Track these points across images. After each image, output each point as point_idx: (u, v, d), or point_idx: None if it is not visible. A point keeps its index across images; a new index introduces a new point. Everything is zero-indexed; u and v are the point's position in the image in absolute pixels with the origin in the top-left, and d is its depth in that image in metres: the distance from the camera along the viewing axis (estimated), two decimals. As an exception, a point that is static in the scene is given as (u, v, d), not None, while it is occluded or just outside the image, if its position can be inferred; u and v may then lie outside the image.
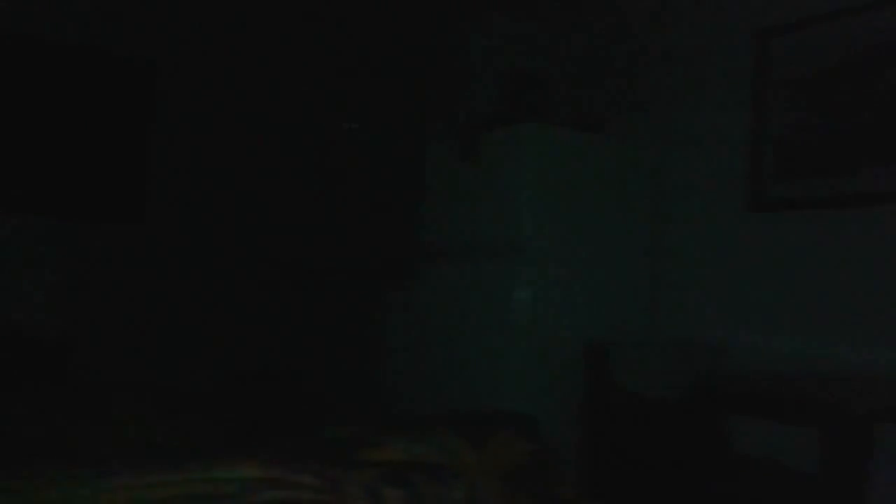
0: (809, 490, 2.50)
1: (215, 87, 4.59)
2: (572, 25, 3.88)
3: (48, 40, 4.03)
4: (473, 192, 3.31)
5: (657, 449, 2.87)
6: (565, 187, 3.17)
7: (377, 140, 4.61)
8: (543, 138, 3.13)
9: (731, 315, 3.15)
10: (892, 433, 2.52)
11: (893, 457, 2.58)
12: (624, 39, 3.68)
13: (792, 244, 2.98)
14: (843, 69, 2.84)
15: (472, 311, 3.26)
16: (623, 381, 2.95)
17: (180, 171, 4.49)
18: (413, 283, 3.72)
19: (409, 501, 1.26)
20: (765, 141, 3.07)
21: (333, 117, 4.84)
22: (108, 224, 4.24)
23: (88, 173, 4.16)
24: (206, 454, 1.23)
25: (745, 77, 3.18)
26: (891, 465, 2.57)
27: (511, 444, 1.49)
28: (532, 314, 3.07)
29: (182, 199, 4.50)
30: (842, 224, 2.83)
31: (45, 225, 4.05)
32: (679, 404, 2.88)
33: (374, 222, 4.56)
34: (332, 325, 4.47)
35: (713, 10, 3.32)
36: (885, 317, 2.71)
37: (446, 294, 3.41)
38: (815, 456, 2.25)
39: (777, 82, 3.05)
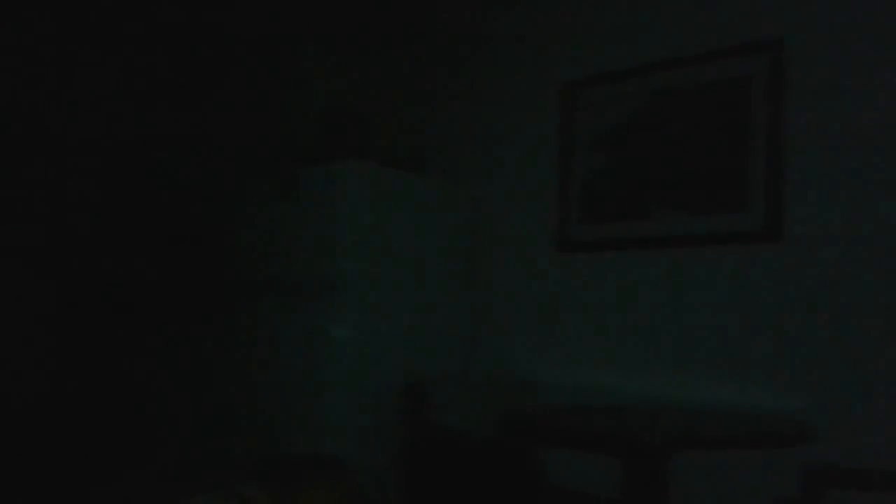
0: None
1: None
2: (394, 64, 3.94)
3: None
4: (291, 229, 3.24)
5: (472, 487, 2.89)
6: (385, 225, 3.17)
7: (192, 173, 4.43)
8: (363, 176, 3.12)
9: (542, 350, 3.27)
10: (691, 460, 2.69)
11: (690, 482, 2.75)
12: (445, 80, 3.77)
13: (597, 283, 3.14)
14: (638, 122, 3.06)
15: (289, 350, 3.17)
16: (440, 418, 2.96)
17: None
18: (226, 321, 3.57)
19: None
20: (572, 185, 3.24)
21: (147, 150, 4.60)
22: None
23: None
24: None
25: (554, 124, 3.35)
26: (688, 490, 2.73)
27: (318, 496, 1.44)
28: (351, 353, 3.02)
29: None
30: (639, 264, 3.03)
31: None
32: (493, 440, 2.93)
33: (185, 256, 4.35)
34: (146, 361, 4.19)
35: (527, 58, 3.48)
36: (680, 349, 2.90)
37: (262, 332, 3.30)
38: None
39: (581, 131, 3.23)
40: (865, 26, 2.61)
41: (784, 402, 2.65)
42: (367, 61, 4.03)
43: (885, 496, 2.30)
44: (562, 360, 3.20)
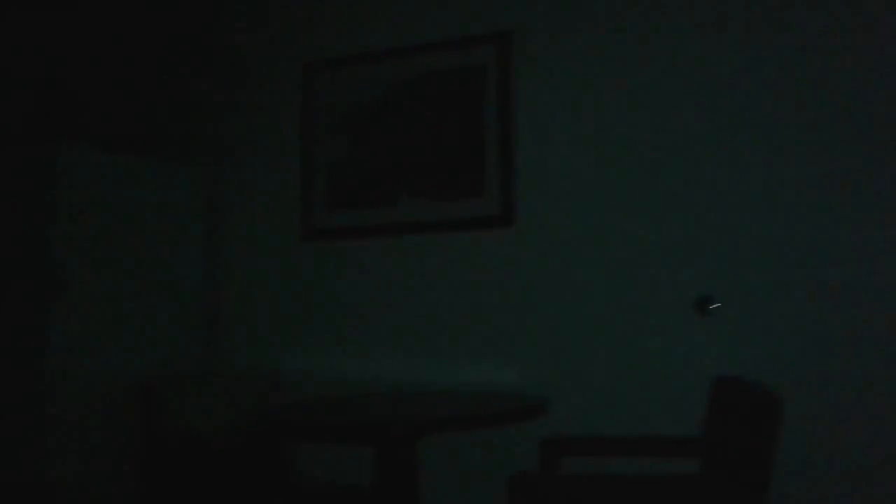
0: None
1: None
2: (118, 33, 3.59)
3: None
4: (-4, 222, 2.85)
5: (219, 493, 2.74)
6: (105, 215, 2.89)
7: None
8: (78, 161, 2.81)
9: (293, 342, 3.17)
10: (437, 444, 2.74)
11: (441, 463, 2.81)
12: (178, 54, 3.51)
13: (344, 271, 3.10)
14: (381, 107, 3.06)
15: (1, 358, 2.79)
16: (181, 421, 2.77)
17: None
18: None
19: None
20: (316, 171, 3.16)
21: None
22: None
23: None
24: None
25: (296, 108, 3.24)
26: (439, 470, 2.79)
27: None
28: (72, 358, 2.72)
29: None
30: (386, 251, 3.03)
31: None
32: (239, 441, 2.79)
33: None
34: None
35: (269, 37, 3.33)
36: (427, 333, 2.95)
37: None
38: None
39: (323, 115, 3.16)
40: (586, 23, 2.80)
41: (522, 379, 2.79)
42: (86, 28, 3.64)
43: (610, 460, 2.51)
44: (313, 351, 3.13)
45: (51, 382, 2.69)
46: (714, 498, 1.89)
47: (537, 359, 2.78)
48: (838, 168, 2.47)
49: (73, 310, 2.74)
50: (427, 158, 2.98)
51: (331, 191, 3.14)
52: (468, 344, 2.89)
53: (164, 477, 2.75)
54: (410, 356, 2.97)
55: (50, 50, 3.52)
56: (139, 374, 2.93)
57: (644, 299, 2.66)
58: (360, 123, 3.10)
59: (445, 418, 2.20)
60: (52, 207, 2.74)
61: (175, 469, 2.75)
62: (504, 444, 2.76)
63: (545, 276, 2.80)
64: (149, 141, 3.40)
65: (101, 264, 2.85)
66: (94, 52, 3.58)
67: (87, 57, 3.58)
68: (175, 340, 3.13)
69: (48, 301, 2.72)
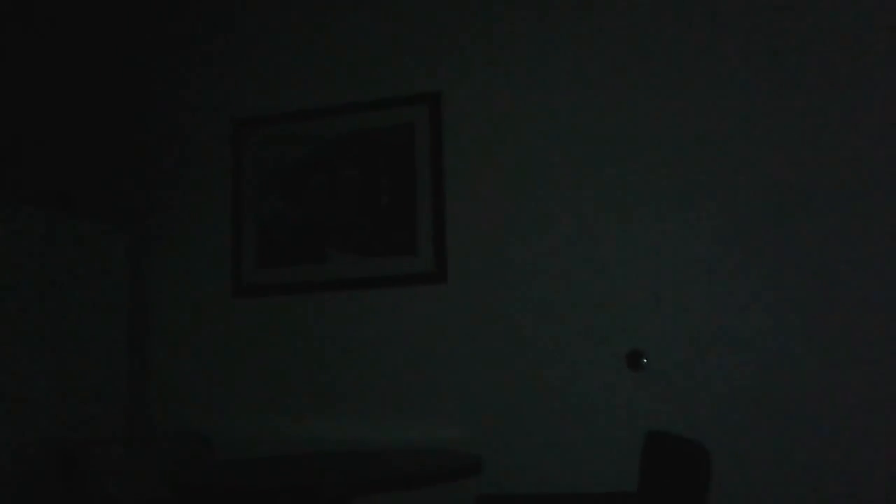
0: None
1: None
2: (41, 86, 3.51)
3: None
4: None
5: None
6: (23, 271, 2.79)
7: None
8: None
9: (223, 402, 3.09)
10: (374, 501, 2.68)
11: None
12: (107, 109, 3.45)
13: (276, 328, 3.05)
14: (313, 164, 3.06)
15: None
16: (102, 488, 2.65)
17: None
18: None
19: None
20: (247, 227, 3.13)
21: None
22: None
23: None
24: None
25: (226, 165, 3.21)
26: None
27: None
28: (-14, 424, 2.59)
29: None
30: (318, 307, 3.00)
31: None
32: (164, 506, 2.68)
33: None
34: None
35: (198, 94, 3.31)
36: (361, 390, 2.91)
37: None
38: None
39: (254, 172, 3.14)
40: (509, 81, 2.88)
41: (457, 435, 2.77)
42: (9, 82, 3.56)
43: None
44: (244, 411, 3.05)
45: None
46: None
47: (472, 415, 2.77)
48: (750, 230, 2.57)
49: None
50: (358, 215, 2.99)
51: (262, 247, 3.10)
52: (402, 401, 2.87)
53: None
54: (344, 415, 2.92)
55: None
56: (58, 438, 2.80)
57: (577, 355, 2.69)
58: (290, 180, 3.09)
59: (379, 479, 2.16)
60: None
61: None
62: (440, 503, 2.72)
63: (479, 332, 2.81)
64: (72, 197, 3.31)
65: (18, 322, 2.74)
66: (21, 107, 3.50)
67: (11, 111, 3.49)
68: (98, 402, 3.01)
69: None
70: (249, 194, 3.15)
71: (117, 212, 3.33)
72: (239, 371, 3.08)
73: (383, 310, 2.93)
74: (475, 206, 2.88)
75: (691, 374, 2.57)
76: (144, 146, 3.36)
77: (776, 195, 2.57)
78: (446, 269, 2.86)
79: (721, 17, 2.69)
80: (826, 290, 2.49)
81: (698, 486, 1.87)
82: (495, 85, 2.91)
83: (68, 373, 2.91)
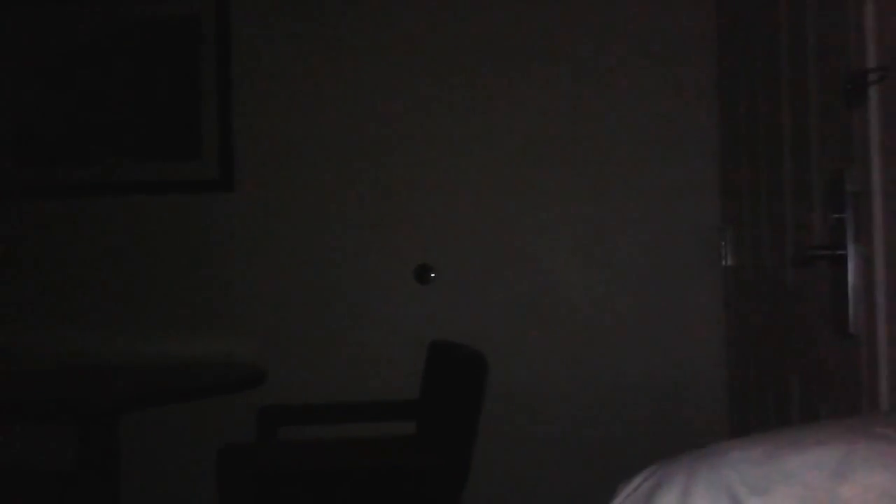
0: (69, 489, 2.35)
1: None
2: None
3: None
4: None
5: None
6: None
7: None
8: None
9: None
10: (139, 420, 2.54)
11: (149, 440, 2.62)
12: None
13: (41, 236, 2.77)
14: (85, 55, 2.75)
15: None
16: None
17: None
18: None
19: None
20: (3, 121, 2.77)
21: None
22: None
23: None
24: None
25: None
26: (147, 448, 2.60)
27: None
28: None
29: None
30: (89, 213, 2.76)
31: None
32: None
33: None
34: None
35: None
36: (137, 305, 2.74)
37: None
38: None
39: (17, 58, 2.78)
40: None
41: (238, 349, 2.69)
42: None
43: (331, 427, 2.49)
44: (9, 324, 2.76)
45: None
46: (422, 452, 1.95)
47: (259, 328, 2.69)
48: (537, 158, 2.65)
49: None
50: (134, 113, 2.74)
51: (21, 144, 2.77)
52: (186, 315, 2.73)
53: None
54: (120, 328, 2.73)
55: None
56: None
57: (365, 268, 2.68)
58: (60, 70, 2.76)
59: (147, 392, 2.05)
60: None
61: None
62: (222, 417, 2.63)
63: (267, 244, 2.71)
64: None
65: None
66: None
67: None
68: None
69: None
70: (7, 84, 2.78)
71: None
72: (1, 281, 2.78)
73: (163, 218, 2.74)
74: (265, 110, 2.73)
75: (475, 288, 2.64)
76: None
77: (556, 125, 2.65)
78: (233, 177, 2.72)
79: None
80: (602, 217, 2.63)
81: (475, 388, 1.93)
82: (289, -18, 2.74)
83: None
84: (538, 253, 2.64)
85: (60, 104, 2.76)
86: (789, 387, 1.63)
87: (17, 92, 2.78)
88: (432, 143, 2.68)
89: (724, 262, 2.37)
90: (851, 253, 1.21)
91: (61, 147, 2.76)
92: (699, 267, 2.56)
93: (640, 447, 2.51)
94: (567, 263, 2.64)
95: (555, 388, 2.61)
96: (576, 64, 2.64)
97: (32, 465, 2.68)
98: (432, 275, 2.65)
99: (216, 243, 2.73)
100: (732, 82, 2.18)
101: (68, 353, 2.72)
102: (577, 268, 2.63)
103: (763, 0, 1.76)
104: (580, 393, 2.61)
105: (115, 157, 2.75)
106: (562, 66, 2.64)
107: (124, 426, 2.33)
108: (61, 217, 2.77)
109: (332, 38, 2.72)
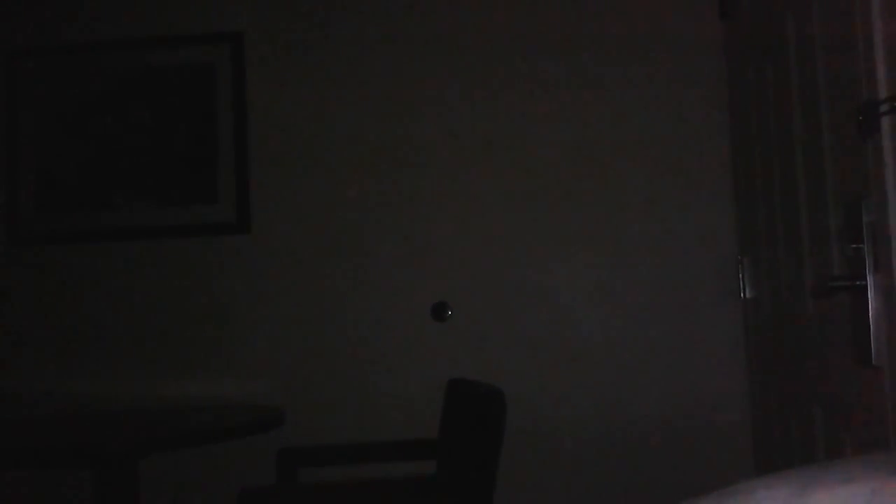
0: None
1: None
2: None
3: None
4: None
5: None
6: None
7: None
8: None
9: (3, 359, 2.79)
10: (157, 464, 2.53)
11: (168, 483, 2.61)
12: None
13: (59, 278, 2.80)
14: (102, 103, 2.80)
15: None
16: None
17: None
18: None
19: None
20: (23, 168, 2.82)
21: None
22: None
23: None
24: None
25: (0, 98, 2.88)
26: (167, 491, 2.60)
27: None
28: None
29: None
30: (101, 257, 2.78)
31: None
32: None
33: None
34: None
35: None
36: (145, 350, 2.74)
37: None
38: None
39: (35, 107, 2.83)
40: (315, 25, 2.78)
41: (256, 390, 2.68)
42: None
43: (350, 468, 2.48)
44: (29, 368, 2.77)
45: None
46: (442, 493, 1.93)
47: (277, 369, 2.69)
48: (549, 194, 2.66)
49: None
50: (152, 159, 2.78)
51: (43, 190, 2.81)
52: (203, 357, 2.73)
53: None
54: (139, 371, 2.74)
55: None
56: None
57: (382, 307, 2.68)
58: (78, 118, 2.81)
59: (166, 436, 2.05)
60: None
61: None
62: (242, 459, 2.62)
63: (283, 284, 2.72)
64: None
65: None
66: None
67: None
68: None
69: None
70: (26, 132, 2.83)
71: None
72: (20, 326, 2.80)
73: (181, 261, 2.76)
74: (281, 153, 2.76)
75: (493, 325, 2.63)
76: None
77: (571, 161, 2.66)
78: (250, 219, 2.74)
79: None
80: (618, 252, 2.62)
81: (494, 426, 1.92)
82: (301, 28, 2.79)
83: None
84: (555, 288, 2.64)
85: (80, 151, 2.81)
86: (813, 419, 1.61)
87: (39, 139, 2.83)
88: (448, 186, 2.70)
89: (742, 294, 2.36)
90: (871, 283, 1.20)
91: (81, 193, 2.80)
92: (718, 299, 2.54)
93: (663, 484, 2.48)
94: (584, 299, 2.63)
95: (574, 424, 2.59)
96: (593, 100, 2.66)
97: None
98: (449, 312, 2.65)
99: (233, 285, 2.74)
100: (745, 114, 2.19)
101: (90, 397, 2.73)
102: (595, 303, 2.62)
103: (773, 33, 1.78)
104: (600, 430, 2.58)
105: (134, 203, 2.78)
106: (582, 104, 2.66)
107: (143, 469, 2.33)
108: (81, 261, 2.80)
109: (346, 84, 2.75)
